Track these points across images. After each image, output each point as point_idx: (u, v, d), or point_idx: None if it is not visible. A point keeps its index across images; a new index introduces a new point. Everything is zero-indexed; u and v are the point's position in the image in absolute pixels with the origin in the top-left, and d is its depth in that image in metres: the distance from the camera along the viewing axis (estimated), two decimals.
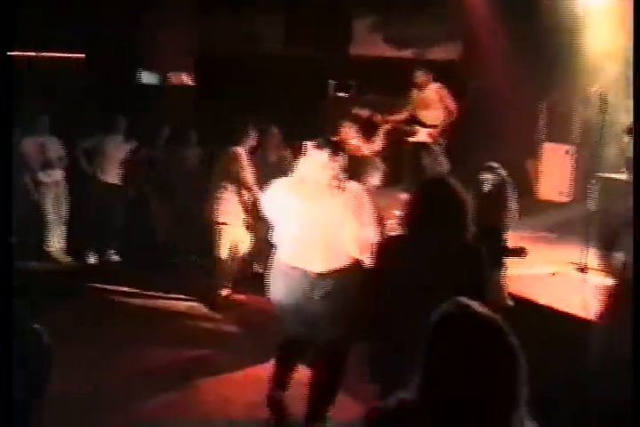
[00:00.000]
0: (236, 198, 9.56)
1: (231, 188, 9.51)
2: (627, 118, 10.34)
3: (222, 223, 9.61)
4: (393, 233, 5.58)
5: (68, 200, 11.47)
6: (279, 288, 6.32)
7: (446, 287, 4.34)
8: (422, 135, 11.72)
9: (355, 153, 9.09)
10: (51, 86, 13.09)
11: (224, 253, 9.67)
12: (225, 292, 9.78)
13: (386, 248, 4.97)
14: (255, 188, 9.28)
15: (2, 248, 4.26)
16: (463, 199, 4.79)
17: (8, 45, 5.09)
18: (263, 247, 9.11)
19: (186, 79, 15.13)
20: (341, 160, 6.16)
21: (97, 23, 13.32)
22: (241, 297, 9.86)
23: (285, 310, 6.36)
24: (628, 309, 4.67)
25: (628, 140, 8.75)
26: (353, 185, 6.21)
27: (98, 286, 10.26)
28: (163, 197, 11.68)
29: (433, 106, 11.74)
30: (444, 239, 4.67)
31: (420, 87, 11.83)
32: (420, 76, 11.77)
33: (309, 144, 6.55)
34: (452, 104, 11.71)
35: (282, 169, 9.55)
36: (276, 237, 6.36)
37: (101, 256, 11.49)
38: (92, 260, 11.44)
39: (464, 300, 2.66)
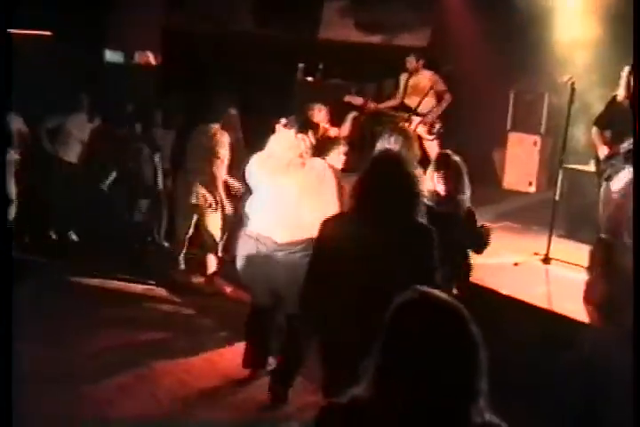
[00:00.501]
0: (213, 179, 9.36)
1: (208, 167, 9.33)
2: (597, 109, 10.37)
3: (195, 205, 9.49)
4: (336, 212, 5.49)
5: (30, 179, 11.29)
6: (246, 256, 6.56)
7: (393, 270, 4.27)
8: (415, 124, 11.57)
9: (322, 135, 9.12)
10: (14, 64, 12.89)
11: (188, 235, 9.60)
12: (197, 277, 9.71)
13: (328, 228, 4.73)
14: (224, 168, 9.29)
15: None
16: (413, 176, 4.61)
17: None
18: (232, 232, 9.14)
19: (152, 58, 14.97)
20: (307, 140, 6.35)
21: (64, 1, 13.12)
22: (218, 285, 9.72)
23: (251, 278, 6.56)
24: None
25: (595, 131, 8.70)
26: (317, 162, 6.42)
27: (57, 265, 10.15)
28: (128, 177, 11.54)
29: (425, 93, 11.51)
30: (391, 219, 4.46)
31: (411, 73, 11.67)
32: (411, 61, 11.61)
33: (280, 123, 6.89)
34: (445, 91, 11.55)
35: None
36: (249, 206, 6.68)
37: (62, 236, 11.35)
38: (53, 237, 11.31)
39: (425, 288, 2.58)
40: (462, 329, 2.44)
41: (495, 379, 2.50)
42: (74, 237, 11.41)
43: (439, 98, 11.55)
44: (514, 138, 13.29)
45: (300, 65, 14.27)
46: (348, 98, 11.72)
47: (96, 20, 13.69)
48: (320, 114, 10.21)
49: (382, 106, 11.66)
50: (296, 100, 12.75)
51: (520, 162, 13.12)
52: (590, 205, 9.66)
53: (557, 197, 8.82)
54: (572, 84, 8.66)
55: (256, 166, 6.61)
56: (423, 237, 4.52)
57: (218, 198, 9.37)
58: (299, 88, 14.01)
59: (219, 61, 13.74)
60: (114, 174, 11.48)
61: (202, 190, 9.37)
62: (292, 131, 6.61)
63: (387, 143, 6.96)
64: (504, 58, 12.14)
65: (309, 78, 14.29)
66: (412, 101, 11.61)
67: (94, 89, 11.97)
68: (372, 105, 11.57)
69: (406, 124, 11.31)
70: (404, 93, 11.71)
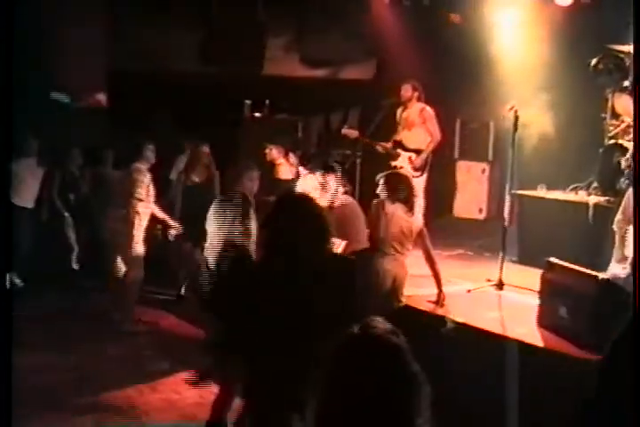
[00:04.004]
0: (135, 216, 9.47)
1: (129, 205, 9.43)
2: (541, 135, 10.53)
3: (119, 243, 9.57)
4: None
5: None
6: None
7: (313, 302, 4.28)
8: (403, 160, 11.46)
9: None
10: None
11: (118, 274, 9.59)
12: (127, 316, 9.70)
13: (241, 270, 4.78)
14: (152, 205, 9.43)
15: None
16: (318, 212, 4.65)
17: None
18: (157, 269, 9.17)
19: (98, 98, 14.92)
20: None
21: (7, 39, 13.03)
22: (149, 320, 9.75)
23: None
24: None
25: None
26: None
27: None
28: (77, 219, 11.49)
29: (416, 128, 11.30)
30: (304, 252, 4.46)
31: (405, 105, 11.36)
32: (406, 89, 11.25)
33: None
34: (435, 129, 11.26)
35: (207, 189, 9.67)
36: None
37: (12, 281, 11.22)
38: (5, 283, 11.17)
39: (373, 321, 2.58)
40: (401, 368, 2.43)
41: (448, 409, 2.51)
42: (19, 282, 11.28)
43: (430, 135, 11.27)
44: (462, 166, 13.39)
45: (247, 101, 14.32)
46: (344, 131, 11.60)
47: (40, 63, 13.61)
48: (272, 153, 10.31)
49: (377, 142, 11.39)
50: (245, 137, 12.81)
51: (469, 189, 13.21)
52: (540, 229, 9.78)
53: (507, 224, 8.89)
54: (515, 111, 8.76)
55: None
56: (342, 269, 4.54)
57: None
58: (247, 124, 14.06)
59: (164, 100, 13.74)
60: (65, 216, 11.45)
61: (129, 228, 9.48)
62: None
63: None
64: (448, 87, 12.26)
65: (257, 114, 14.34)
66: (402, 136, 11.39)
67: (42, 132, 11.91)
68: (366, 139, 11.38)
69: (392, 162, 11.30)
70: (399, 127, 11.45)
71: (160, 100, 13.73)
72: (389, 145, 11.36)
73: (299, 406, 4.22)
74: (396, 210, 7.37)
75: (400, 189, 7.48)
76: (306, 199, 4.75)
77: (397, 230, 7.36)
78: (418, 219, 7.53)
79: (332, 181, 7.32)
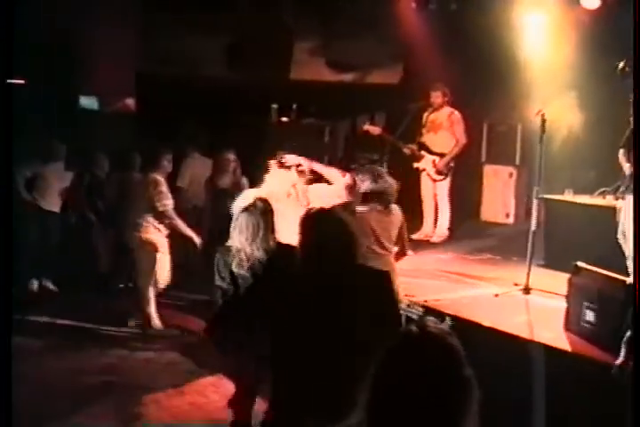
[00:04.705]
0: (156, 224, 9.54)
1: (150, 214, 9.49)
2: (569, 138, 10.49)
3: (143, 250, 9.59)
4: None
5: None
6: None
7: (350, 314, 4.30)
8: (426, 163, 11.57)
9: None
10: None
11: (144, 280, 9.61)
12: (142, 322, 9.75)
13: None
14: (172, 214, 9.45)
15: None
16: (347, 226, 4.62)
17: None
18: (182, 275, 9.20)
19: (127, 103, 15.00)
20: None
21: (39, 47, 13.14)
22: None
23: None
24: None
25: (622, 152, 8.68)
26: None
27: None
28: (105, 223, 11.54)
29: (442, 131, 11.53)
30: (336, 266, 4.45)
31: (434, 108, 11.59)
32: (437, 95, 11.50)
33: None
34: (461, 133, 11.49)
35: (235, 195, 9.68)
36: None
37: (40, 285, 11.31)
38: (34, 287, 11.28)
39: (428, 320, 2.59)
40: (456, 369, 2.43)
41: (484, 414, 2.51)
42: (51, 286, 11.37)
43: (455, 140, 11.48)
44: (489, 170, 13.35)
45: (274, 106, 14.35)
46: (366, 127, 11.68)
47: (69, 67, 13.70)
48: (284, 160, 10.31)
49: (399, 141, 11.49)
50: (272, 141, 12.82)
51: (496, 194, 13.16)
52: (567, 233, 9.73)
53: (534, 228, 8.86)
54: (543, 115, 8.73)
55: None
56: (377, 281, 4.56)
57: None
58: (273, 129, 14.09)
59: (191, 105, 13.79)
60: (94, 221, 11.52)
61: (153, 236, 9.55)
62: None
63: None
64: (475, 91, 12.24)
65: (284, 119, 14.37)
66: (427, 138, 11.57)
67: (70, 136, 12.00)
68: (388, 136, 11.47)
69: (415, 163, 11.33)
70: (423, 130, 11.64)
71: (187, 105, 13.78)
72: (414, 146, 11.42)
73: (333, 413, 4.24)
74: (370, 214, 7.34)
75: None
76: (330, 213, 4.75)
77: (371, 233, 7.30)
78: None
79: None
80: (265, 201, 6.27)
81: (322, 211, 4.83)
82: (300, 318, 4.41)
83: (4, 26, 6.03)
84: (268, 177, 7.22)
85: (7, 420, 4.93)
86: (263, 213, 6.05)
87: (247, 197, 6.60)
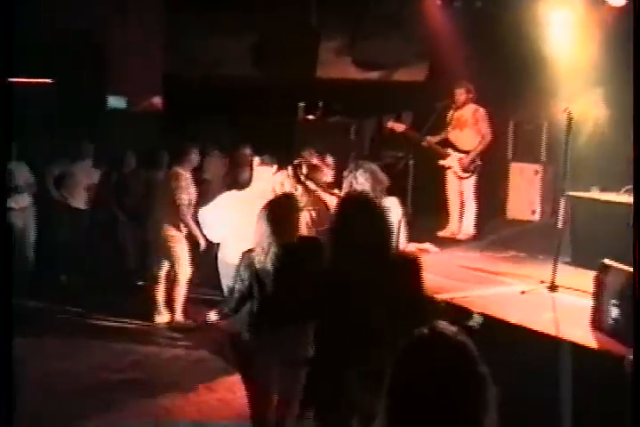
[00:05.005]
0: (178, 220, 9.61)
1: (171, 209, 9.56)
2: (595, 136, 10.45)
3: (165, 245, 9.70)
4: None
5: (36, 226, 11.37)
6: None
7: (380, 304, 4.33)
8: (452, 160, 11.62)
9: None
10: (17, 113, 13.00)
11: (163, 275, 9.70)
12: (167, 317, 9.85)
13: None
14: (184, 210, 9.50)
15: None
16: (380, 211, 4.69)
17: None
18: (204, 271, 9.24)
19: (154, 102, 15.08)
20: None
21: (66, 48, 13.24)
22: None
23: None
24: None
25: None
26: None
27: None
28: (132, 220, 11.63)
29: (468, 128, 11.56)
30: (369, 254, 4.50)
31: (458, 106, 11.63)
32: (460, 93, 11.53)
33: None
34: (486, 130, 11.53)
35: None
36: None
37: (69, 280, 11.41)
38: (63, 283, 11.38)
39: (440, 322, 2.64)
40: (470, 367, 2.49)
41: (506, 411, 2.55)
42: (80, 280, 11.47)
43: (481, 136, 11.52)
44: (515, 168, 13.34)
45: (300, 104, 14.39)
46: (390, 124, 11.72)
47: (96, 67, 13.80)
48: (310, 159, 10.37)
49: (427, 138, 11.50)
50: (299, 139, 12.86)
51: (522, 191, 13.15)
52: (593, 230, 9.72)
53: (560, 225, 8.86)
54: (569, 113, 8.72)
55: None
56: (407, 269, 4.59)
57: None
58: (300, 127, 14.13)
59: (218, 103, 13.85)
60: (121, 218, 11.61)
61: (174, 231, 9.66)
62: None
63: (352, 178, 7.23)
64: (501, 88, 12.23)
65: (310, 117, 14.40)
66: (452, 136, 11.62)
67: (97, 135, 12.10)
68: (413, 133, 11.51)
69: (441, 161, 11.37)
70: (449, 127, 11.66)
71: (214, 104, 13.84)
72: (437, 139, 11.46)
73: (359, 407, 4.28)
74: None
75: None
76: (368, 199, 4.80)
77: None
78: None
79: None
80: (291, 196, 6.32)
81: (360, 196, 4.88)
82: (338, 307, 4.46)
83: (4, 26, 6.06)
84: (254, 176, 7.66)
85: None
86: (288, 207, 6.06)
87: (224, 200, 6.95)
